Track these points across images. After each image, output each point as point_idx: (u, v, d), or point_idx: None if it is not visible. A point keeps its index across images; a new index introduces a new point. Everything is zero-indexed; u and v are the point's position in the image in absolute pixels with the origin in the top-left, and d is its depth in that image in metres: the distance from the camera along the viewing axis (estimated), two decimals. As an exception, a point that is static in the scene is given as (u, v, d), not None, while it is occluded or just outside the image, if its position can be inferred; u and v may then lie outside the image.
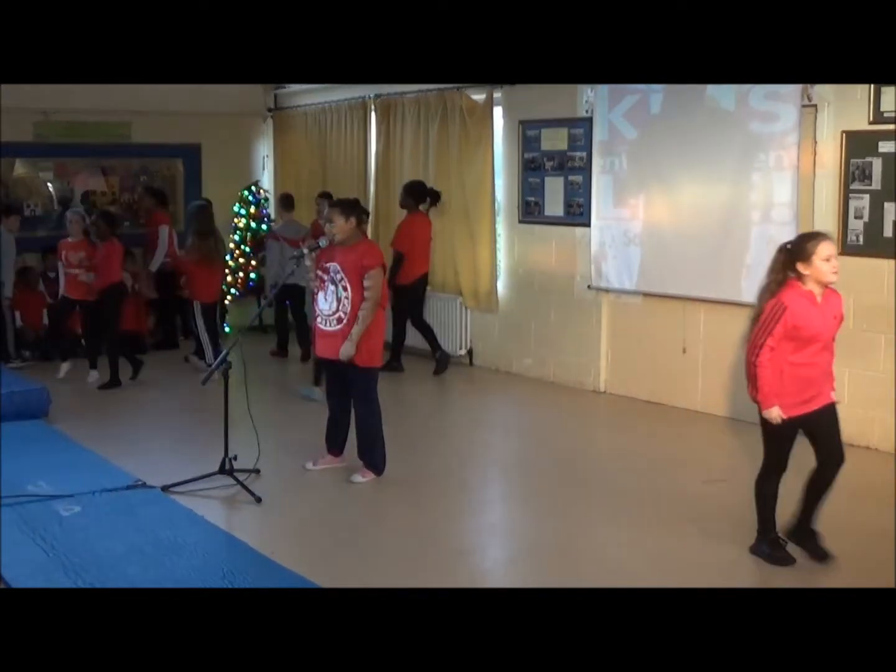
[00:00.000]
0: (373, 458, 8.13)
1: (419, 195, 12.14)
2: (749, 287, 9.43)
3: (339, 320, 7.90)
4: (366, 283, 7.84)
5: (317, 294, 8.09)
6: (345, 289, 7.87)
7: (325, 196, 12.65)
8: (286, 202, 13.54)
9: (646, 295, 10.55)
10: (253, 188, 15.03)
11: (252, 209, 14.83)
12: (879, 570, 6.30)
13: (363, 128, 13.87)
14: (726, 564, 6.47)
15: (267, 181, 15.81)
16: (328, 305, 7.96)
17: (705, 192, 9.78)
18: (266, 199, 15.09)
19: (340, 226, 7.91)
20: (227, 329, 13.49)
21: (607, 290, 10.91)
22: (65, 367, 11.90)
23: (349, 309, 7.86)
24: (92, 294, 11.58)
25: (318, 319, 8.08)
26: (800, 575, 6.33)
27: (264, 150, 16.03)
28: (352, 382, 8.08)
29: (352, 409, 8.26)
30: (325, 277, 7.97)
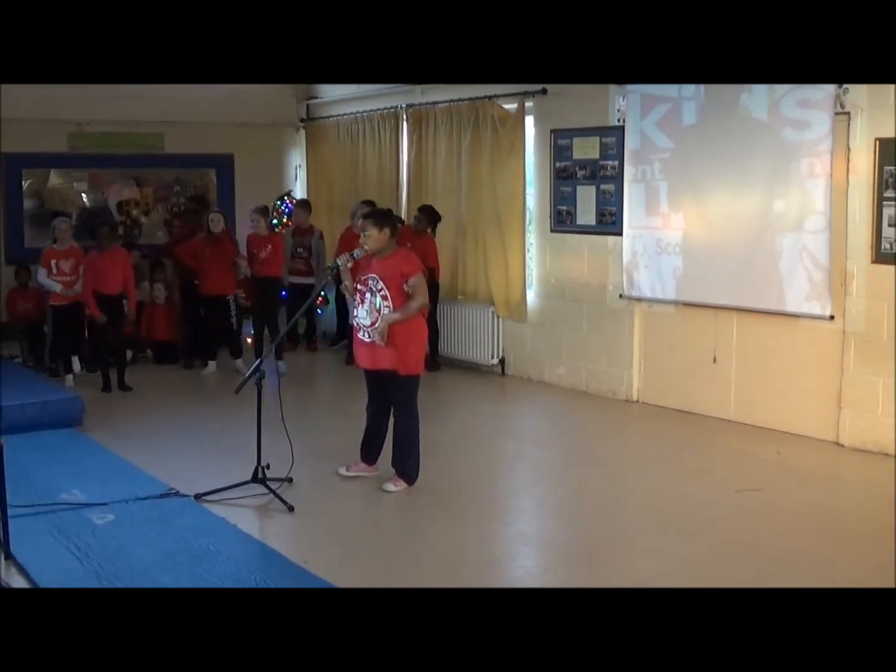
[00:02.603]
0: (407, 466, 8.13)
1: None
2: (781, 296, 9.41)
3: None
4: (409, 292, 7.86)
5: (356, 307, 8.11)
6: (384, 298, 7.89)
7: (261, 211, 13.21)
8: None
9: (678, 304, 10.53)
10: (285, 198, 15.07)
11: (284, 219, 14.87)
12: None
13: (395, 138, 13.89)
14: (758, 574, 6.43)
15: (299, 191, 15.86)
16: (367, 317, 7.98)
17: (737, 201, 9.74)
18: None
19: (374, 236, 7.91)
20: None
21: (639, 300, 10.88)
22: (70, 378, 12.12)
23: None
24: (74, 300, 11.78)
25: (359, 331, 8.08)
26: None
27: (297, 160, 16.09)
28: (393, 391, 8.09)
29: (388, 418, 8.27)
30: (364, 289, 7.99)
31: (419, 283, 7.91)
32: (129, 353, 12.97)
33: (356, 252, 8.01)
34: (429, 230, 12.56)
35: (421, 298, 7.91)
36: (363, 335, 8.03)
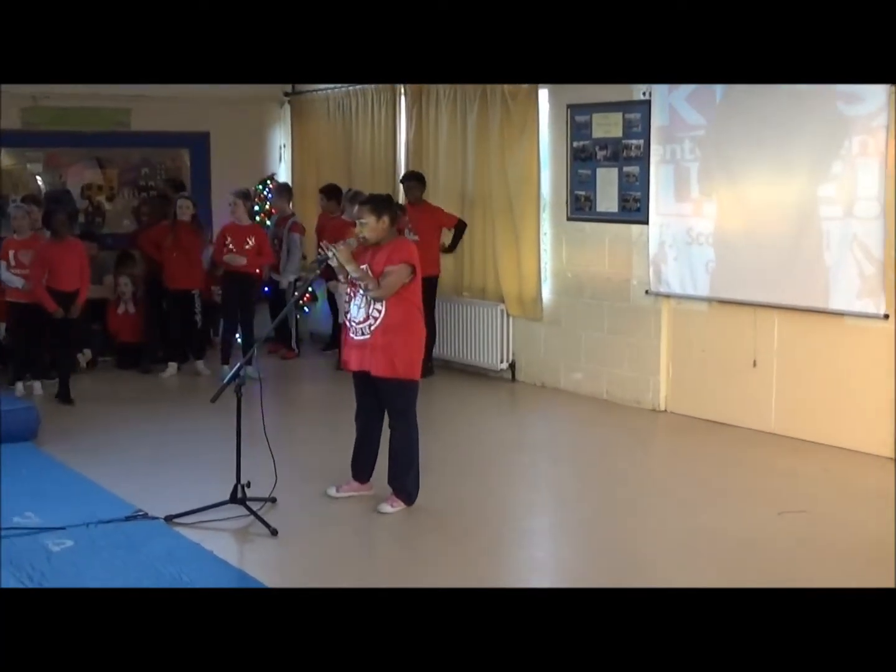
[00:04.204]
0: (405, 484, 8.08)
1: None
2: (829, 292, 9.35)
3: (369, 328, 7.88)
4: (385, 271, 7.80)
5: (348, 301, 8.08)
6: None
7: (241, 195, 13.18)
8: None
9: (712, 301, 10.48)
10: (268, 182, 15.02)
11: (267, 205, 14.82)
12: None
13: (392, 114, 13.86)
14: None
15: (284, 174, 15.83)
16: (358, 313, 7.94)
17: (779, 184, 9.69)
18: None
19: (371, 225, 7.87)
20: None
21: (668, 296, 10.85)
22: (20, 386, 12.04)
23: (382, 315, 7.84)
24: (34, 297, 11.66)
25: (349, 329, 8.06)
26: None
27: (281, 138, 16.08)
28: (388, 399, 8.06)
29: (381, 429, 8.25)
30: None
31: (396, 273, 7.82)
32: (88, 353, 12.92)
33: (350, 241, 7.96)
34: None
35: (383, 289, 7.80)
36: (353, 332, 8.00)
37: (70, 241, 11.79)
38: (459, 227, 12.64)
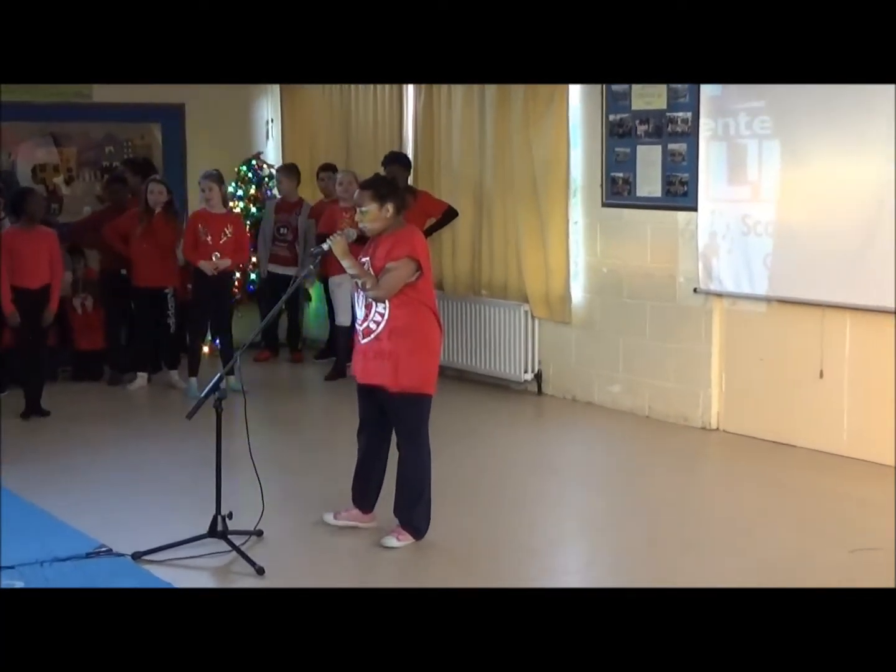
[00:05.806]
0: (413, 515, 8.07)
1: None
2: (911, 290, 9.33)
3: (369, 332, 7.89)
4: (385, 267, 7.80)
5: (354, 299, 8.10)
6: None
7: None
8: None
9: (771, 301, 10.46)
10: (254, 162, 15.02)
11: (253, 189, 14.83)
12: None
13: (398, 85, 13.82)
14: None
15: (272, 153, 15.82)
16: (361, 312, 7.97)
17: (851, 164, 9.67)
18: (270, 177, 15.07)
19: (373, 213, 7.86)
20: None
21: (720, 295, 10.84)
22: None
23: (384, 318, 7.83)
24: None
25: (357, 332, 8.10)
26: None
27: (268, 113, 16.06)
28: (394, 415, 8.04)
29: (387, 450, 8.26)
30: None
31: (398, 269, 7.80)
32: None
33: (348, 232, 7.96)
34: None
35: (381, 289, 7.79)
36: (360, 337, 8.02)
37: (40, 229, 11.76)
38: (448, 216, 12.72)
